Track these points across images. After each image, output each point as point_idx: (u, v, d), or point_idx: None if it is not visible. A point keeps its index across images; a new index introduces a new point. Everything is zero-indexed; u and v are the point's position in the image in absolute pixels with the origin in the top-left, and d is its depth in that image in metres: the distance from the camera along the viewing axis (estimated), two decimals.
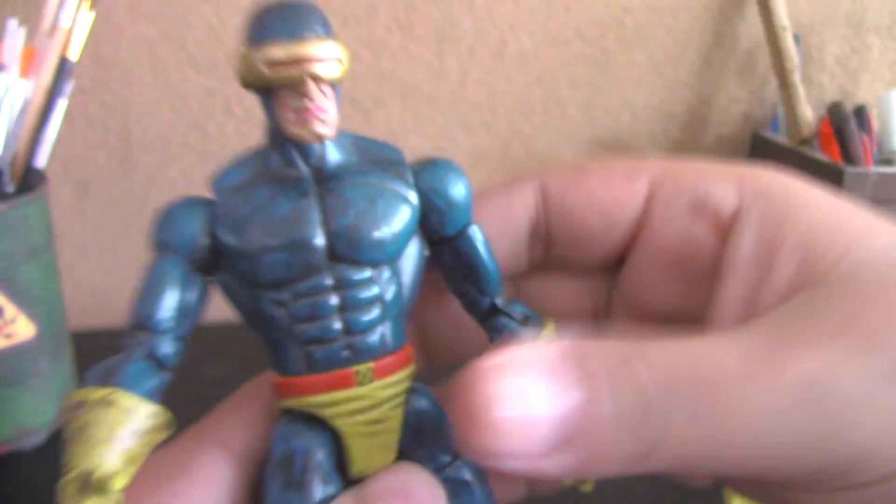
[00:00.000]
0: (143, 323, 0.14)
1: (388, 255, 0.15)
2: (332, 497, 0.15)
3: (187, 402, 0.18)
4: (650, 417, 0.13)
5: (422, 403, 0.16)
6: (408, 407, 0.15)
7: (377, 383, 0.15)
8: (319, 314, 0.15)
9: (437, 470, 0.16)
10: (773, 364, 0.13)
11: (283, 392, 0.15)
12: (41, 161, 0.43)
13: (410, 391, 0.16)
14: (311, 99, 0.14)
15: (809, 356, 0.13)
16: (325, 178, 0.15)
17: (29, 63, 0.41)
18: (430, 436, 0.15)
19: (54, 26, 0.42)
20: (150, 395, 0.14)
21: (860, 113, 0.56)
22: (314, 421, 0.15)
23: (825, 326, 0.14)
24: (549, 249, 0.19)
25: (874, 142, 0.56)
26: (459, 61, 0.59)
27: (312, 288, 0.15)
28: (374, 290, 0.15)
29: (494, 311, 0.17)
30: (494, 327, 0.17)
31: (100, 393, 0.13)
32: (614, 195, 0.18)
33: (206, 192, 0.17)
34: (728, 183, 0.17)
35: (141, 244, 0.65)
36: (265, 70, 0.14)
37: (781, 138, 0.61)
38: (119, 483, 0.13)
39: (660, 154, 0.64)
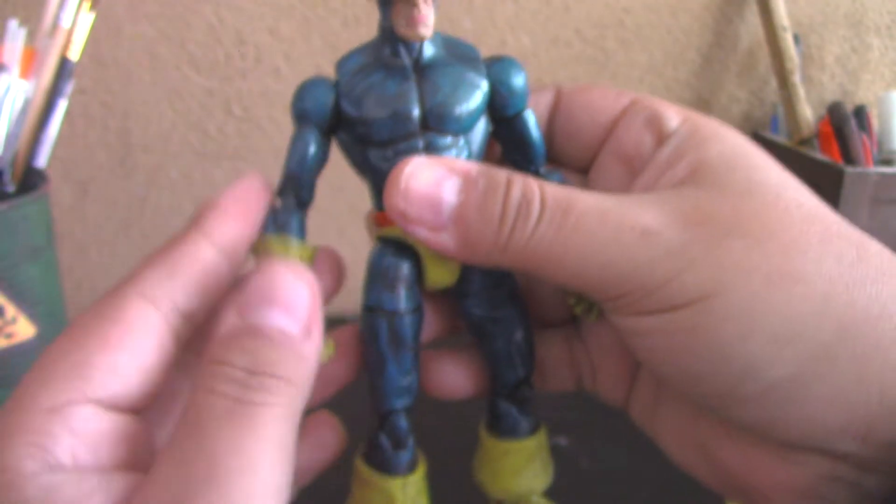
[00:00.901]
0: (293, 176, 0.20)
1: (464, 127, 0.20)
2: (416, 303, 0.21)
3: None
4: (509, 223, 0.18)
5: None
6: None
7: None
8: None
9: (487, 287, 0.21)
10: (629, 212, 0.18)
11: (382, 222, 0.21)
12: (41, 161, 0.43)
13: None
14: (418, 10, 0.19)
15: (655, 215, 0.18)
16: (422, 68, 0.20)
17: (29, 63, 0.42)
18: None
19: (55, 26, 0.42)
20: (302, 232, 0.20)
21: (860, 113, 0.56)
22: (402, 246, 0.20)
23: (677, 202, 0.19)
24: (551, 141, 0.23)
25: (874, 142, 0.56)
26: None
27: (409, 148, 0.20)
28: (452, 153, 0.20)
29: (537, 176, 0.21)
30: None
31: (280, 242, 0.20)
32: (603, 102, 0.23)
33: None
34: (678, 114, 0.22)
35: (141, 244, 0.65)
36: None
37: (781, 138, 0.61)
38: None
39: None
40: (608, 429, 0.46)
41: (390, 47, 0.20)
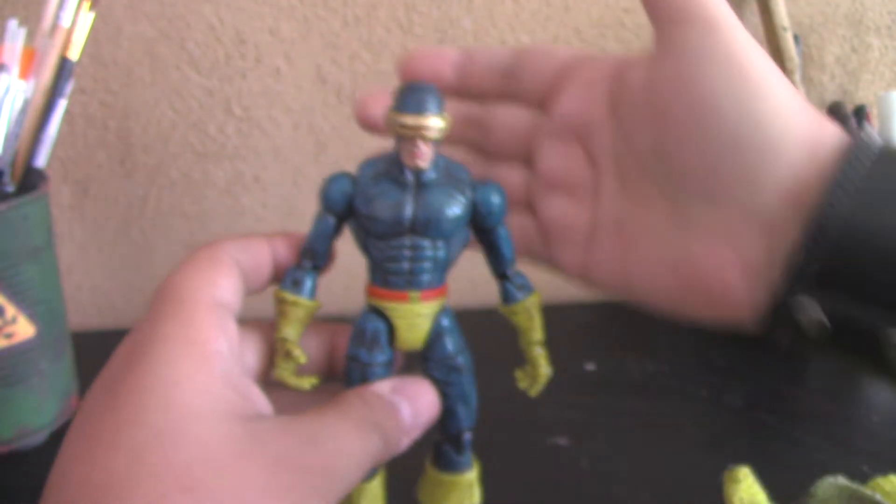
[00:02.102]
0: (310, 248, 0.26)
1: (443, 235, 0.26)
2: (387, 358, 0.26)
3: None
4: None
5: (444, 320, 0.27)
6: (435, 319, 0.27)
7: (421, 304, 0.26)
8: (397, 258, 0.25)
9: (443, 358, 0.27)
10: None
11: (371, 294, 0.26)
12: (41, 161, 0.43)
13: (439, 311, 0.27)
14: (418, 150, 0.24)
15: None
16: (420, 186, 0.25)
17: (29, 63, 0.42)
18: (444, 337, 0.27)
19: (54, 26, 0.42)
20: (313, 292, 0.26)
21: (860, 113, 0.56)
22: (382, 314, 0.26)
23: None
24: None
25: None
26: None
27: (398, 244, 0.25)
28: (429, 252, 0.26)
29: (504, 276, 0.28)
30: (502, 287, 0.28)
31: (292, 297, 0.26)
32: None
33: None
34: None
35: (141, 244, 0.65)
36: (398, 129, 0.24)
37: None
38: (299, 353, 0.26)
39: None
40: (608, 429, 0.47)
41: (398, 168, 0.25)
